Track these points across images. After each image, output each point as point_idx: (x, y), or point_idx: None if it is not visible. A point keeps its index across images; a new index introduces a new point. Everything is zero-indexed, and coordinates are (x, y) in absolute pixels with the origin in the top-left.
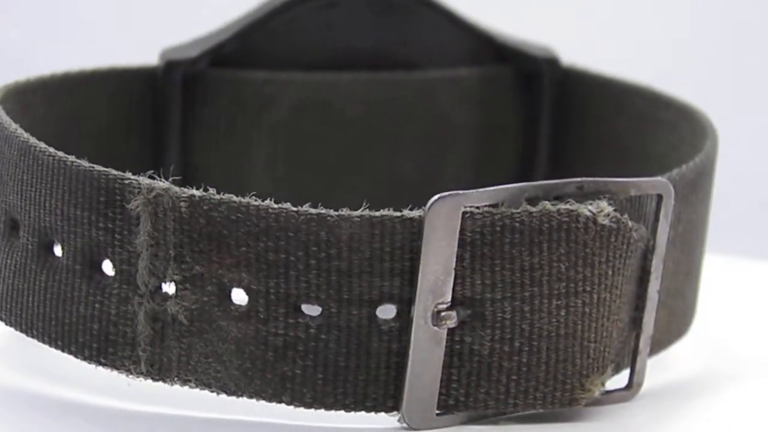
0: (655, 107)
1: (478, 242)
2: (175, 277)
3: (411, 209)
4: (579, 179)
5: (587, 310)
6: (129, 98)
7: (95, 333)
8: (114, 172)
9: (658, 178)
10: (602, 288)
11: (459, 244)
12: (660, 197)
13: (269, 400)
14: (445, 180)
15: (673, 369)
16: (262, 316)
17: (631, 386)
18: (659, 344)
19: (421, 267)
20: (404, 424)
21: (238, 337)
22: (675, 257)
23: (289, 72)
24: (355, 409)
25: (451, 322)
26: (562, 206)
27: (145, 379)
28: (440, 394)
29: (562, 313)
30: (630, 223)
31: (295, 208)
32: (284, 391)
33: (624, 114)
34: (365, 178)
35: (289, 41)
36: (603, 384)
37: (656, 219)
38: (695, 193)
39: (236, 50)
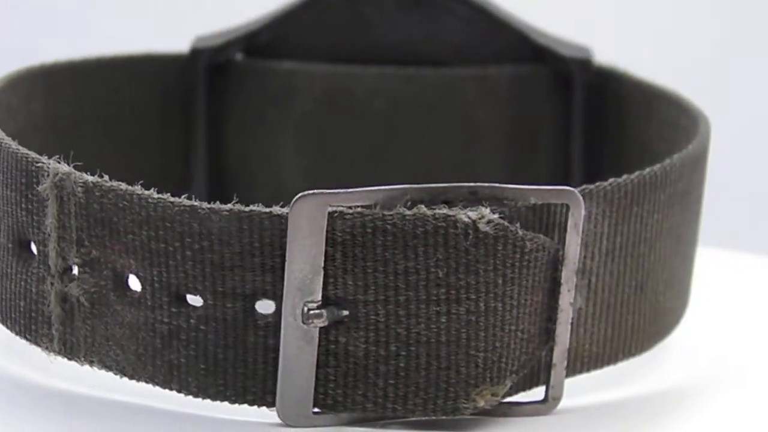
0: (678, 113)
1: (349, 243)
2: (76, 261)
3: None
4: (473, 184)
5: (472, 318)
6: (162, 84)
7: (22, 309)
8: (32, 154)
9: (564, 187)
10: (490, 297)
11: (330, 243)
12: (567, 207)
13: (161, 386)
14: (478, 177)
15: (646, 380)
16: (149, 303)
17: (547, 400)
18: (599, 359)
19: (287, 264)
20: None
21: (132, 323)
22: (614, 270)
23: (315, 63)
24: (237, 402)
25: (320, 321)
26: (439, 211)
27: (62, 358)
28: (318, 392)
29: (443, 320)
30: (520, 232)
31: (172, 199)
32: (172, 379)
33: (653, 119)
34: (394, 172)
35: (318, 33)
36: (496, 395)
37: (565, 229)
38: (641, 205)
39: (267, 41)
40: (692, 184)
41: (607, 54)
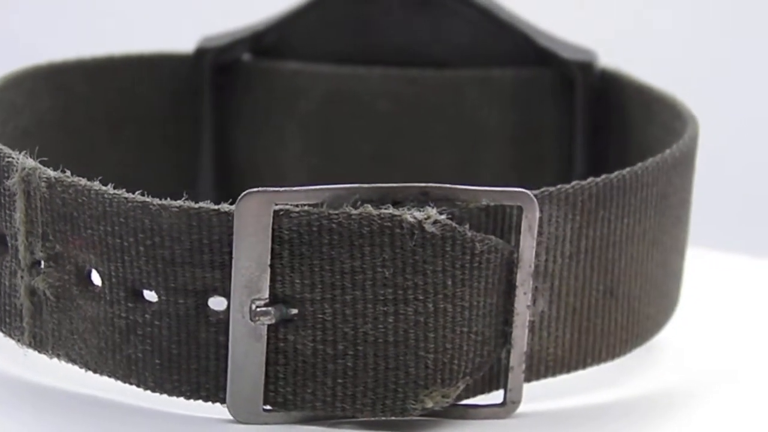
0: (672, 117)
1: (296, 241)
2: (42, 255)
3: None
4: (424, 184)
5: (421, 319)
6: (172, 83)
7: None
8: (5, 149)
9: (518, 189)
10: (440, 298)
11: (277, 241)
12: (521, 209)
13: (122, 380)
14: (483, 179)
15: (625, 384)
16: (108, 298)
17: (506, 403)
18: (565, 364)
19: (233, 262)
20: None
21: (93, 317)
22: (579, 274)
23: (320, 64)
24: (192, 398)
25: (267, 319)
26: (385, 210)
27: (32, 350)
28: (268, 390)
29: (390, 320)
30: (469, 233)
31: (126, 195)
32: (131, 374)
33: (654, 123)
34: (399, 173)
35: (323, 34)
36: (447, 397)
37: (518, 232)
38: (608, 208)
39: (274, 41)
40: (671, 187)
41: (619, 54)
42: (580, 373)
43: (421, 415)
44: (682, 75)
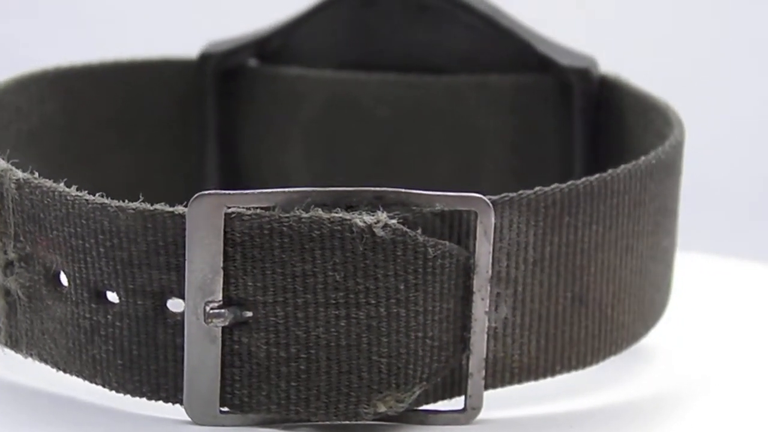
0: (664, 124)
1: (248, 244)
2: (14, 255)
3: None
4: (378, 189)
5: (373, 323)
6: (179, 87)
7: None
8: None
9: (472, 194)
10: (392, 302)
11: (230, 244)
12: (476, 214)
13: (89, 380)
14: (485, 185)
15: (604, 390)
16: (73, 299)
17: (466, 410)
18: (532, 371)
19: (187, 264)
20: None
21: (61, 317)
22: (544, 280)
23: (321, 69)
24: (153, 398)
25: (220, 321)
26: (335, 214)
27: (9, 350)
28: (225, 392)
29: (342, 324)
30: (421, 238)
31: (87, 197)
32: (96, 373)
33: (649, 131)
34: (401, 178)
35: (325, 39)
36: (401, 402)
37: (474, 237)
38: (574, 215)
39: (278, 47)
40: (647, 195)
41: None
42: (565, 379)
43: (378, 420)
44: (687, 82)
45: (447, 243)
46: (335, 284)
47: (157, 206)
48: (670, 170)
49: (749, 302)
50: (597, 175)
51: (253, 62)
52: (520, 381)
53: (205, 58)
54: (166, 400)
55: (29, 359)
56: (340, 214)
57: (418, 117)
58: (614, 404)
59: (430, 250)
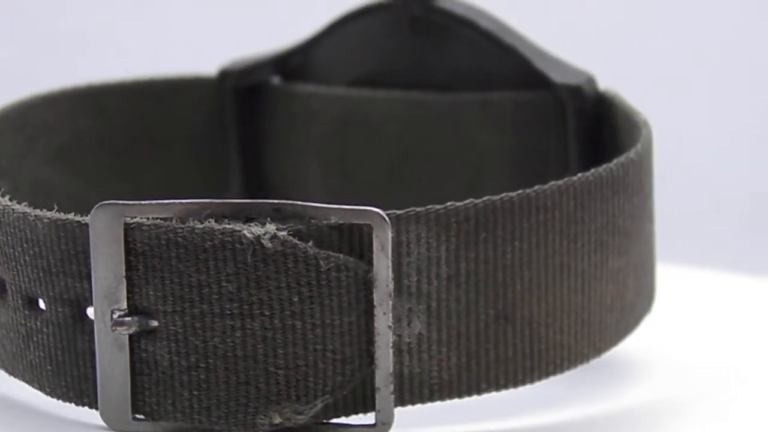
0: (648, 144)
1: (148, 253)
2: None
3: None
4: (276, 201)
5: (269, 334)
6: (205, 104)
7: None
8: None
9: (367, 208)
10: (287, 314)
11: (132, 253)
12: (372, 228)
13: (29, 384)
14: None
15: (564, 404)
16: (12, 306)
17: (376, 425)
18: (454, 388)
19: (92, 272)
20: None
21: (6, 324)
22: (461, 297)
23: (333, 87)
24: (79, 404)
25: (125, 329)
26: (227, 225)
27: None
28: (137, 400)
29: (238, 335)
30: (311, 250)
31: (14, 206)
32: (34, 378)
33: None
34: (414, 195)
35: (339, 57)
36: (301, 414)
37: (371, 250)
38: (492, 231)
39: (298, 64)
40: (586, 212)
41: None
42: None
43: (280, 431)
44: (683, 93)
45: (341, 256)
46: (229, 295)
47: (69, 216)
48: (618, 188)
49: (736, 315)
50: (519, 192)
51: (276, 80)
52: (441, 398)
53: (224, 75)
54: (90, 406)
55: None
56: (231, 226)
57: (425, 134)
58: (567, 421)
59: (322, 262)
